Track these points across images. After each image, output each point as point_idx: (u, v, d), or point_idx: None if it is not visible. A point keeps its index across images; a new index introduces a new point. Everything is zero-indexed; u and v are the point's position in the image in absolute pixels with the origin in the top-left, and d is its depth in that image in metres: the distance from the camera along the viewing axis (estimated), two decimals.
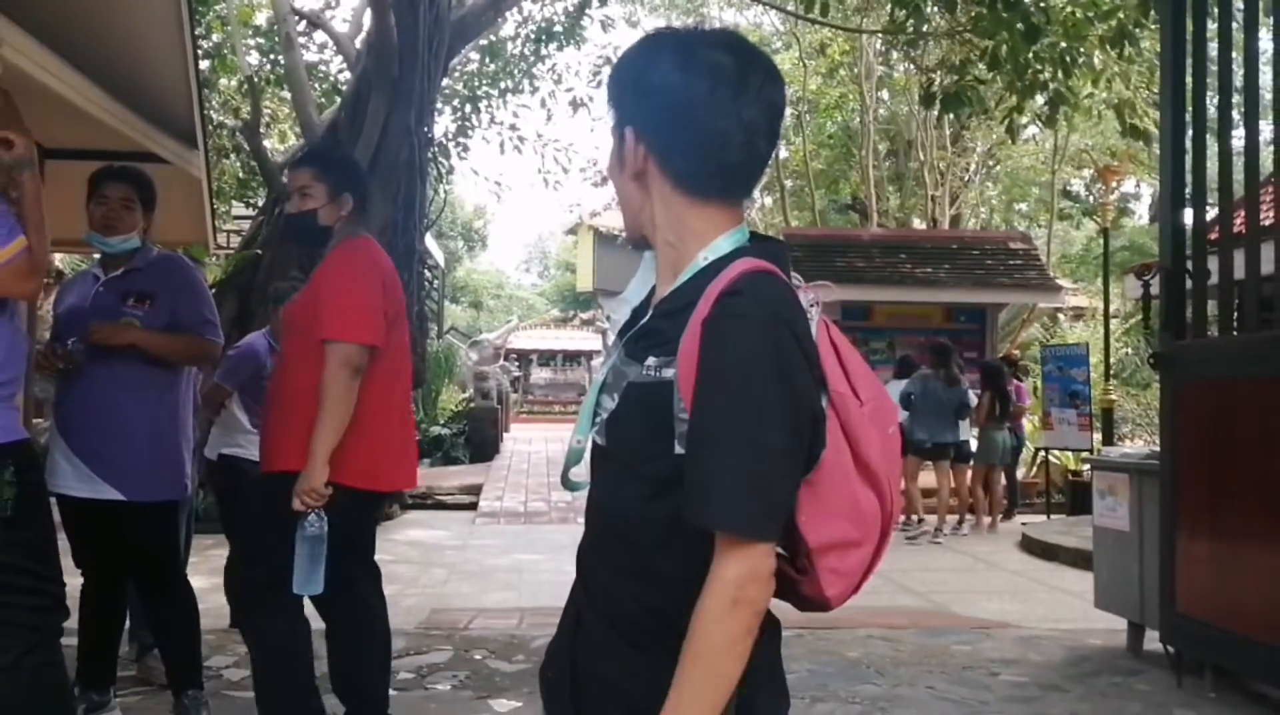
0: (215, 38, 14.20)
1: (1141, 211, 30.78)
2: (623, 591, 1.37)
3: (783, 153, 27.69)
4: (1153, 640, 5.10)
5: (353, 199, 3.42)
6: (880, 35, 18.07)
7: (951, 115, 11.10)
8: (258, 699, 3.29)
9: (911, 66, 21.42)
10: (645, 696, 1.28)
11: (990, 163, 26.38)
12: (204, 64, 12.60)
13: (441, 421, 17.92)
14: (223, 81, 14.89)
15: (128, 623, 4.17)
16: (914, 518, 11.08)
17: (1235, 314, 5.06)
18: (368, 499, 3.31)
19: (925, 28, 10.39)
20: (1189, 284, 5.03)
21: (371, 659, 3.47)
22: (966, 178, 26.12)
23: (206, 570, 5.16)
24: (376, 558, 5.55)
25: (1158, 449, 5.22)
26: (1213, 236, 5.18)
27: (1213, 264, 4.95)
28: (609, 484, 1.39)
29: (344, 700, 3.44)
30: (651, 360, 1.31)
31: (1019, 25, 8.11)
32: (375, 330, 3.21)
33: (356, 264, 3.28)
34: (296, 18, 13.20)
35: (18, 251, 2.44)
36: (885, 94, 25.39)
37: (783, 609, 1.41)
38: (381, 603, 3.58)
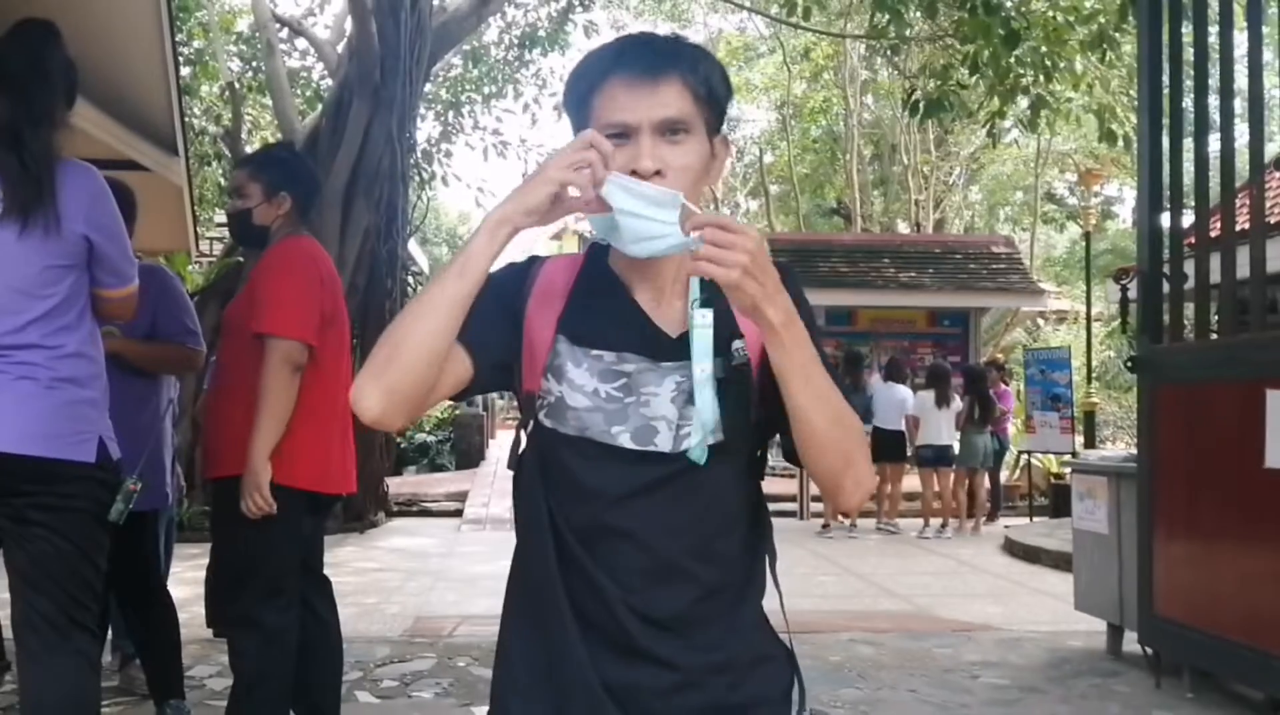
0: (196, 44, 14.17)
1: (1125, 214, 30.98)
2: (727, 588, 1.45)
3: (768, 157, 27.84)
4: (1132, 642, 5.13)
5: (291, 198, 3.36)
6: (863, 40, 18.13)
7: (935, 119, 11.17)
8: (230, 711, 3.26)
9: (895, 70, 21.50)
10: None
11: (974, 166, 26.52)
12: (185, 71, 12.56)
13: (427, 428, 17.89)
14: (204, 88, 14.85)
15: (109, 633, 4.15)
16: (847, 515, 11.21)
17: (1213, 318, 5.10)
18: (315, 502, 3.27)
19: (907, 33, 10.45)
20: (1166, 288, 5.06)
21: (323, 670, 3.45)
22: (950, 181, 26.26)
23: (190, 580, 5.14)
24: (361, 565, 5.60)
25: (1136, 452, 5.25)
26: (1190, 241, 5.22)
27: (1189, 268, 4.99)
28: (726, 481, 1.43)
29: (295, 709, 3.43)
30: (738, 343, 1.40)
31: (1000, 30, 8.18)
32: (310, 327, 3.16)
33: (294, 260, 3.23)
34: (278, 24, 13.18)
35: (134, 290, 2.83)
36: (869, 98, 25.50)
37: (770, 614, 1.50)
38: (333, 613, 3.54)
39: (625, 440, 1.39)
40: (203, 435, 3.51)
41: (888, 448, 11.46)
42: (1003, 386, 12.92)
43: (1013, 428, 14.42)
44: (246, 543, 3.16)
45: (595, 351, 1.42)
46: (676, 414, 1.39)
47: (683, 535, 1.40)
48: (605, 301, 1.45)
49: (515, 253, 1.49)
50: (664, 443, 1.39)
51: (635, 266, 1.43)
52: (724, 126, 1.48)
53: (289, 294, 3.15)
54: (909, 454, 11.45)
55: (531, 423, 1.45)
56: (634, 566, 1.39)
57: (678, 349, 1.41)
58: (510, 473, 1.50)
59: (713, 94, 1.42)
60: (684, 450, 1.39)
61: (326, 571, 3.67)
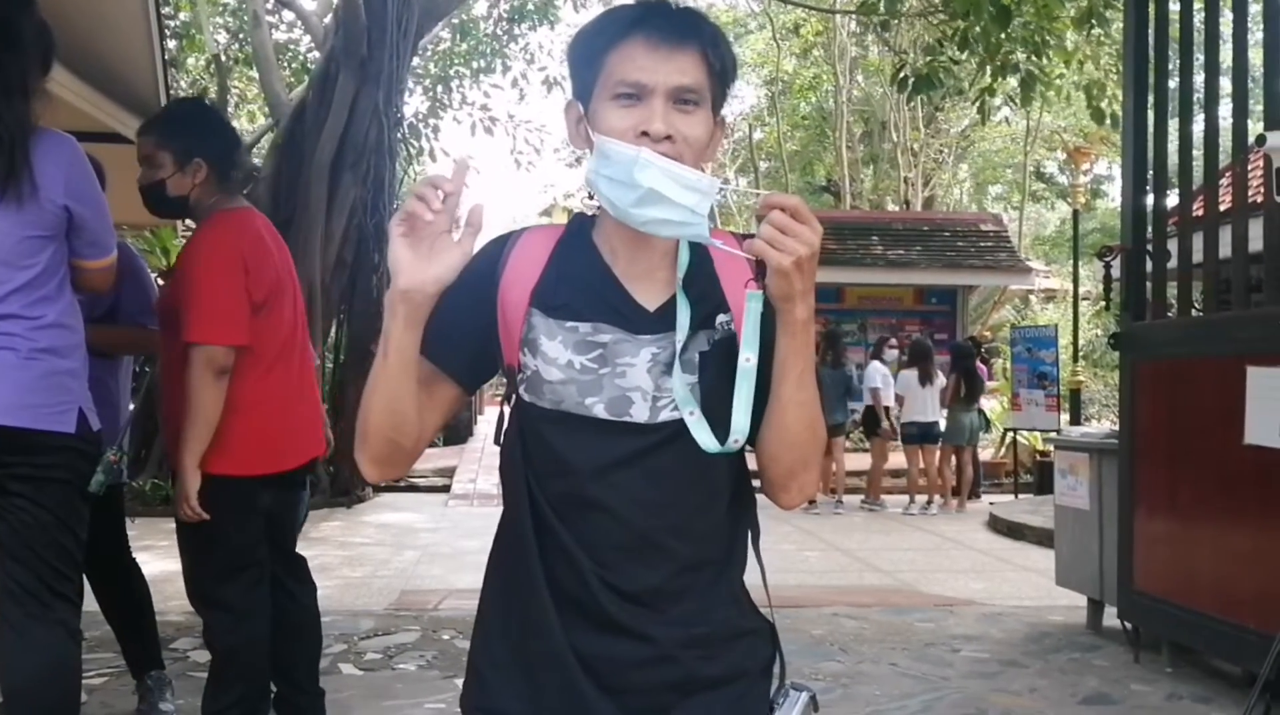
0: (183, 16, 14.06)
1: (1114, 193, 30.96)
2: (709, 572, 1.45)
3: (757, 134, 27.76)
4: (1112, 617, 5.18)
5: (207, 164, 3.14)
6: (854, 16, 18.07)
7: (925, 97, 11.14)
8: (209, 693, 3.25)
9: (885, 47, 21.45)
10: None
11: (964, 144, 26.49)
12: (171, 43, 12.48)
13: None
14: (190, 60, 14.76)
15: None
16: (833, 492, 11.36)
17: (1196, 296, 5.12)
18: (269, 481, 3.19)
19: (898, 8, 10.41)
20: (1149, 266, 5.09)
21: (298, 644, 3.44)
22: (940, 159, 26.24)
23: (174, 554, 5.14)
24: (348, 540, 5.60)
25: (1118, 428, 5.29)
26: (1174, 220, 5.24)
27: (1173, 246, 5.01)
28: (709, 456, 1.38)
29: (275, 682, 3.44)
30: (722, 317, 1.41)
31: (990, 6, 8.15)
32: (237, 328, 3.02)
33: (214, 254, 3.05)
34: None
35: (114, 261, 2.85)
36: (859, 75, 25.43)
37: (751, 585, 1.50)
38: (306, 589, 3.52)
39: (600, 411, 1.38)
40: (161, 423, 3.43)
41: (872, 424, 11.61)
42: (980, 364, 12.97)
43: (995, 405, 14.50)
44: (197, 531, 3.11)
45: (569, 323, 1.40)
46: (653, 385, 1.38)
47: (662, 512, 1.39)
48: (581, 273, 1.43)
49: (502, 223, 1.48)
50: (639, 414, 1.38)
51: (625, 237, 1.40)
52: (724, 107, 1.47)
53: (207, 296, 3.00)
54: (883, 426, 11.52)
55: (514, 397, 1.45)
56: (609, 541, 1.39)
57: (655, 322, 1.40)
58: (496, 448, 1.50)
59: (725, 71, 1.41)
60: (661, 422, 1.38)
61: (314, 546, 3.67)
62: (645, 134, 1.33)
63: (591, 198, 1.42)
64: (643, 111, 1.35)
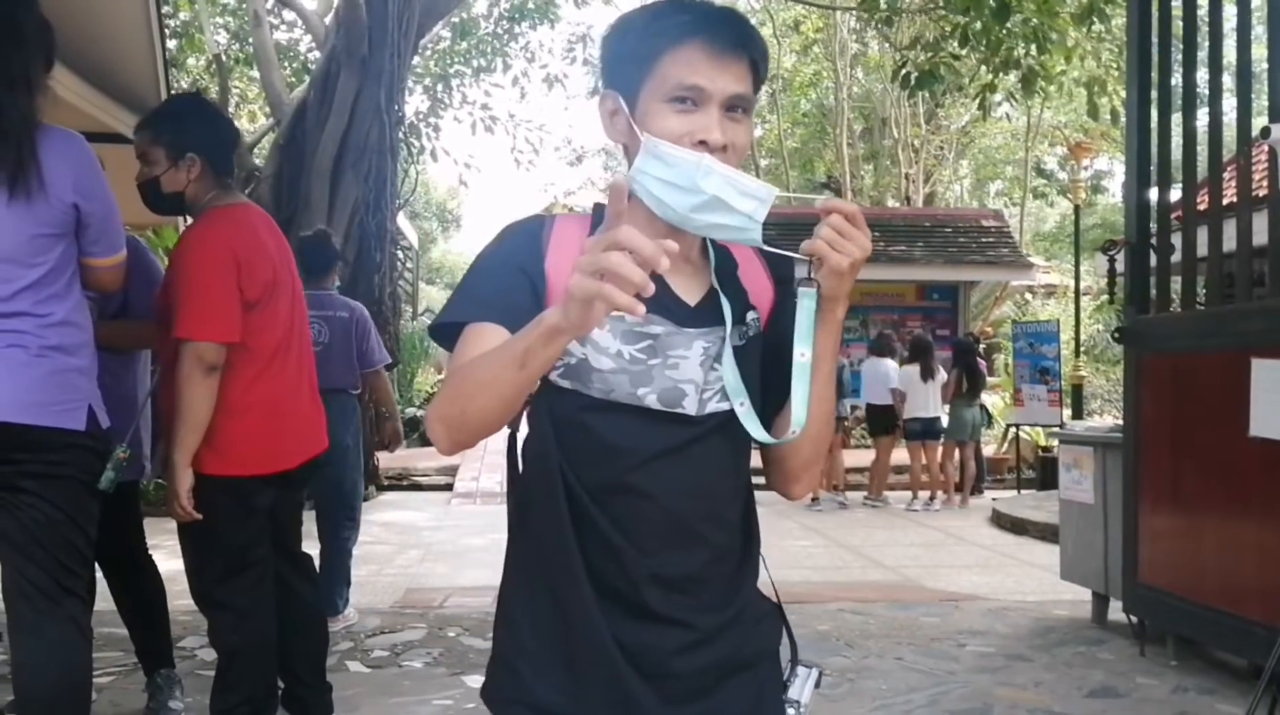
0: (183, 16, 14.06)
1: (1115, 189, 30.89)
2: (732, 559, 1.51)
3: (757, 131, 27.72)
4: (1116, 610, 5.18)
5: (201, 159, 3.13)
6: (854, 12, 18.04)
7: (926, 93, 11.14)
8: (216, 692, 3.25)
9: (886, 43, 21.43)
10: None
11: (964, 140, 26.47)
12: (171, 43, 12.47)
13: (417, 403, 17.88)
14: (191, 60, 14.76)
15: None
16: (836, 488, 11.41)
17: (1199, 290, 5.12)
18: (268, 481, 3.19)
19: (899, 4, 10.42)
20: (1153, 259, 5.09)
21: (301, 641, 3.45)
22: (941, 155, 26.22)
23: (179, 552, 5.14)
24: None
25: (1122, 422, 5.28)
26: (1177, 214, 5.24)
27: (1176, 240, 5.01)
28: (740, 448, 1.48)
29: (281, 678, 3.44)
30: (753, 314, 1.49)
31: (991, 2, 8.15)
32: (228, 325, 3.00)
33: (205, 251, 3.03)
34: None
35: (124, 258, 2.85)
36: (860, 72, 25.41)
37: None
38: (308, 586, 3.53)
39: (652, 401, 1.40)
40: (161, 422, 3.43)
41: (879, 422, 11.56)
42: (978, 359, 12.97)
43: (999, 401, 14.50)
44: (195, 532, 3.11)
45: (616, 312, 1.41)
46: (703, 378, 1.42)
47: (700, 499, 1.43)
48: None
49: (503, 222, 1.48)
50: (690, 406, 1.41)
51: (658, 233, 1.34)
52: None
53: (198, 292, 2.99)
54: (898, 426, 11.52)
55: (541, 384, 1.42)
56: (652, 528, 1.41)
57: (698, 316, 1.43)
58: (498, 447, 1.49)
59: (761, 81, 1.46)
60: (707, 413, 1.42)
61: (319, 544, 3.64)
62: (703, 143, 1.35)
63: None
64: (700, 118, 1.37)
